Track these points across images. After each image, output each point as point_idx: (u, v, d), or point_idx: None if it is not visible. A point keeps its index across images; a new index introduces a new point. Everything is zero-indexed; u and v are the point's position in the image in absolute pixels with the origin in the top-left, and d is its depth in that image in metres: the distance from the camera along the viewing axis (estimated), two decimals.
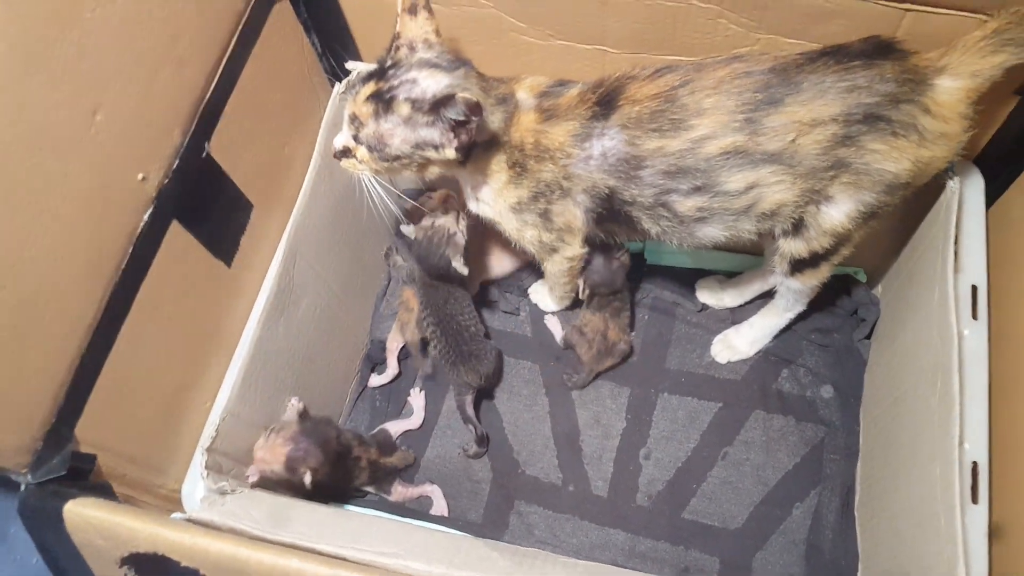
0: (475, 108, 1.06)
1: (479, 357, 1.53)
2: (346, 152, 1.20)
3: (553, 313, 1.68)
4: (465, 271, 1.39)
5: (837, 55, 1.08)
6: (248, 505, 1.13)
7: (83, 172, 0.95)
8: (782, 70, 1.09)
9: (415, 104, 1.11)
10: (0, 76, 0.83)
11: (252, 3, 1.21)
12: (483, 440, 1.58)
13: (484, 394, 1.65)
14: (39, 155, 0.89)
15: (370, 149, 1.16)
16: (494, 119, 1.16)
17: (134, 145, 1.03)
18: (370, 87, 1.14)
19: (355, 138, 1.17)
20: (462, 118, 1.08)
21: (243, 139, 1.25)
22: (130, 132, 1.02)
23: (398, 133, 1.13)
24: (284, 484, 1.31)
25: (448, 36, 1.31)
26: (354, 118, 1.16)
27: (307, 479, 1.27)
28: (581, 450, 1.59)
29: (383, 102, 1.12)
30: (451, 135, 1.11)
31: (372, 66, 1.18)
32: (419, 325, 1.58)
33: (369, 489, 1.54)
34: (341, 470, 1.42)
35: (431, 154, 1.15)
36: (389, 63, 1.15)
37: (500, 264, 1.70)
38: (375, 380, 1.68)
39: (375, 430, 1.60)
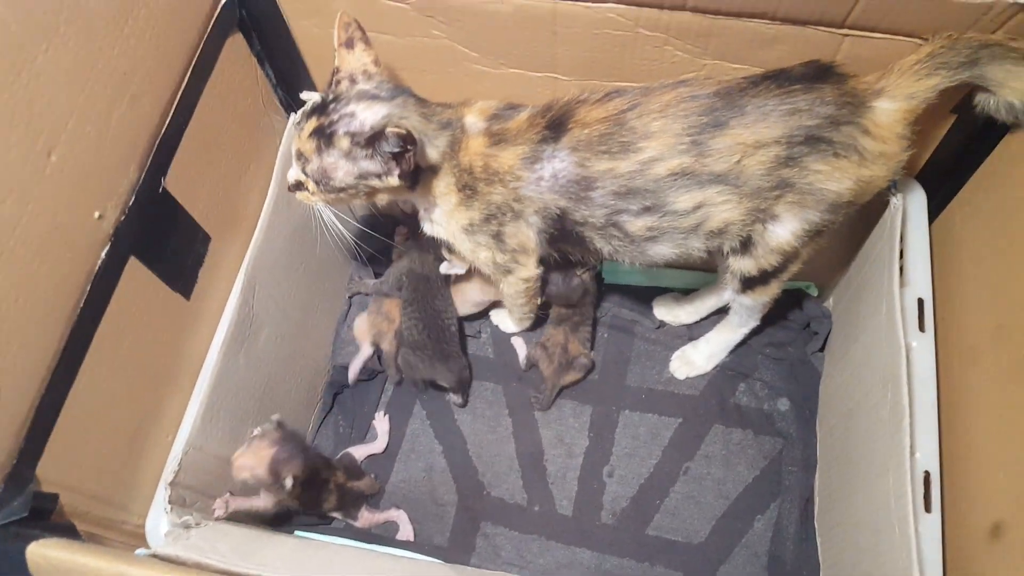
0: (407, 139, 1.09)
1: (456, 358, 1.57)
2: (299, 185, 1.22)
3: (516, 334, 1.70)
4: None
5: (779, 79, 1.12)
6: (213, 538, 1.14)
7: (39, 213, 0.95)
8: (726, 94, 1.12)
9: (354, 138, 1.13)
10: None
11: (206, 37, 1.21)
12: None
13: (447, 416, 1.66)
14: None
15: (316, 183, 1.19)
16: (437, 143, 1.18)
17: (90, 184, 1.03)
18: (312, 123, 1.16)
19: (303, 172, 1.19)
20: (397, 149, 1.11)
21: (200, 172, 1.25)
22: (85, 171, 1.01)
23: (341, 166, 1.16)
24: (256, 502, 1.34)
25: (402, 66, 1.34)
26: (300, 154, 1.18)
27: (288, 483, 1.28)
28: (545, 470, 1.60)
29: (324, 137, 1.15)
30: (392, 164, 1.14)
31: (319, 98, 1.20)
32: (397, 337, 1.61)
33: (336, 515, 1.54)
34: (311, 491, 1.42)
35: (375, 183, 1.17)
36: (330, 97, 1.17)
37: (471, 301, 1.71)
38: (354, 368, 1.67)
39: (339, 455, 1.60)
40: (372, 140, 1.12)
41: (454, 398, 1.65)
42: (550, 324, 1.64)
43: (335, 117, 1.14)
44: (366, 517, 1.54)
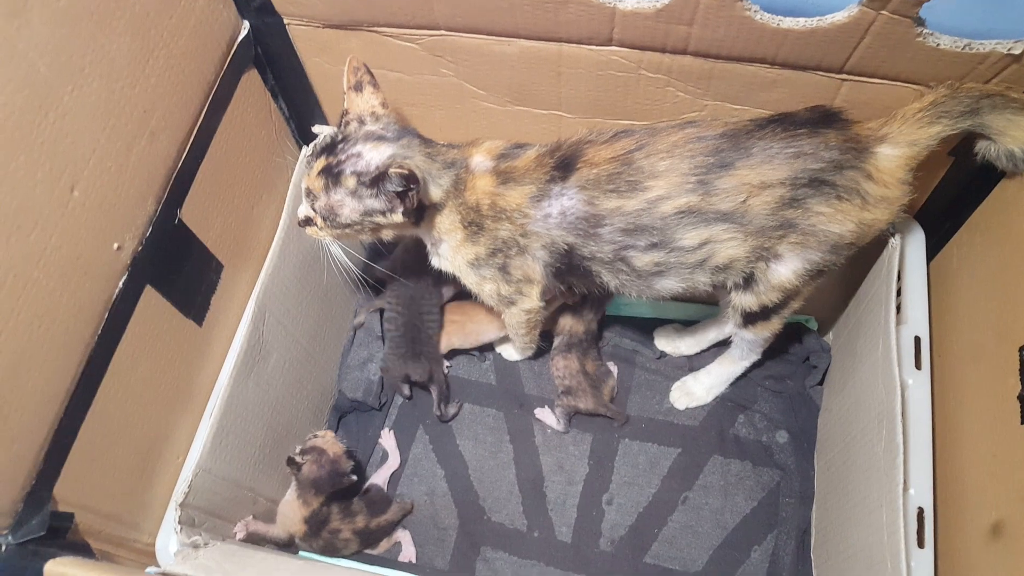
0: (409, 178, 1.13)
1: (428, 359, 1.61)
2: (308, 221, 1.27)
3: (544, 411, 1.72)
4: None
5: (784, 123, 1.14)
6: (220, 558, 1.16)
7: (61, 245, 0.98)
8: (732, 135, 1.14)
9: (360, 177, 1.17)
10: None
11: (222, 74, 1.25)
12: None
13: (449, 441, 1.68)
14: (20, 233, 0.92)
15: (324, 219, 1.23)
16: (441, 182, 1.22)
17: (110, 216, 1.07)
18: (321, 162, 1.20)
19: (312, 208, 1.24)
20: (400, 188, 1.15)
21: (214, 203, 1.29)
22: (106, 204, 1.05)
23: (347, 204, 1.20)
24: (272, 530, 1.43)
25: (412, 102, 1.37)
26: (309, 192, 1.23)
27: (351, 479, 1.42)
28: (545, 496, 1.62)
29: (332, 176, 1.19)
30: (396, 202, 1.18)
31: (329, 135, 1.24)
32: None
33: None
34: (317, 544, 1.47)
35: (380, 220, 1.21)
36: (340, 137, 1.21)
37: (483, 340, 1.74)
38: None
39: (364, 488, 1.62)
40: (376, 180, 1.16)
41: (435, 411, 1.68)
42: (558, 355, 1.66)
43: (343, 157, 1.19)
44: (382, 543, 1.58)
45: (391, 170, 1.13)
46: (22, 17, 0.89)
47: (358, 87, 1.25)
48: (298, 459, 1.41)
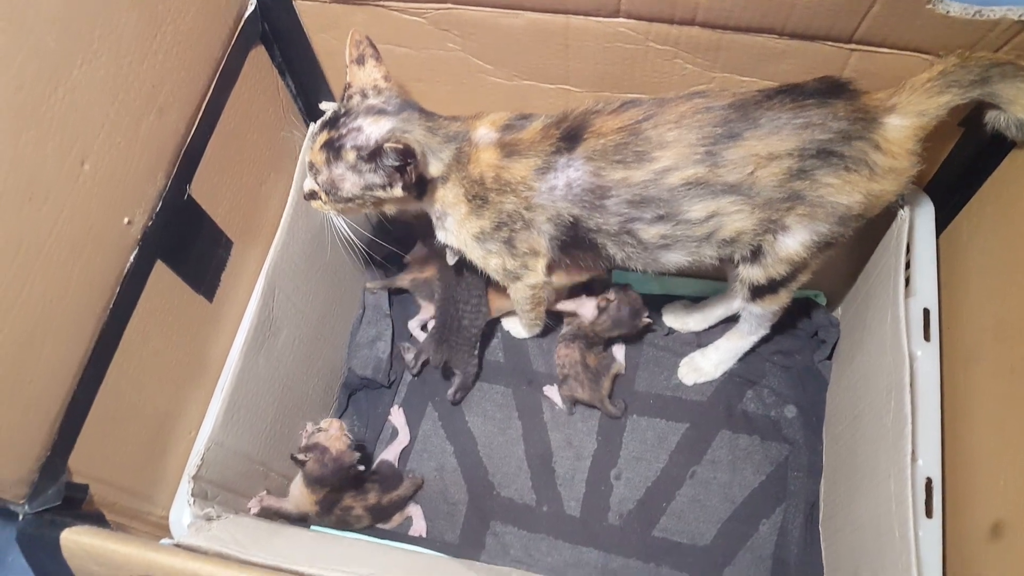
0: (406, 152, 1.14)
1: (455, 350, 1.61)
2: (312, 195, 1.27)
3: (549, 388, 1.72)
4: (451, 261, 1.44)
5: (792, 93, 1.13)
6: (233, 530, 1.17)
7: (73, 218, 0.99)
8: (741, 106, 1.14)
9: (359, 152, 1.18)
10: None
11: (229, 50, 1.26)
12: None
13: (459, 418, 1.70)
14: (31, 205, 0.93)
15: (326, 193, 1.24)
16: (442, 156, 1.22)
17: (120, 190, 1.08)
18: (323, 136, 1.21)
19: (316, 182, 1.24)
20: (397, 163, 1.15)
21: (223, 179, 1.30)
22: (116, 179, 1.06)
23: (348, 178, 1.21)
24: (285, 505, 1.44)
25: (418, 77, 1.37)
26: (312, 166, 1.23)
27: (358, 469, 1.41)
28: (554, 471, 1.63)
29: (333, 150, 1.19)
30: (395, 177, 1.18)
31: (332, 109, 1.24)
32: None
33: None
34: (330, 520, 1.48)
35: (381, 194, 1.22)
36: (342, 111, 1.22)
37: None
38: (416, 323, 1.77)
39: (375, 465, 1.64)
40: (374, 154, 1.16)
41: (450, 394, 1.68)
42: (562, 343, 1.66)
43: (344, 131, 1.19)
44: (395, 518, 1.59)
45: (387, 145, 1.13)
46: None
47: (360, 60, 1.25)
48: (300, 457, 1.40)
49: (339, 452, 1.40)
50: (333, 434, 1.42)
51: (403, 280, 1.74)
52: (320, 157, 1.21)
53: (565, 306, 1.65)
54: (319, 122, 1.25)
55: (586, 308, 1.63)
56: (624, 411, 1.66)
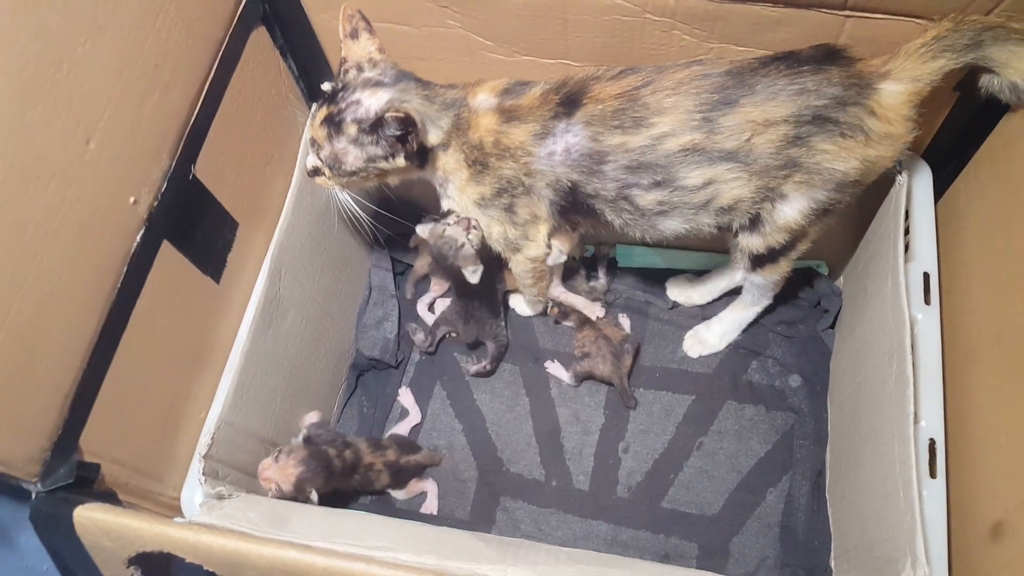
0: (406, 121, 1.15)
1: (482, 323, 1.64)
2: (316, 171, 1.29)
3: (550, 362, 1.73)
4: (475, 280, 1.43)
5: (788, 60, 1.15)
6: (245, 508, 1.18)
7: (79, 198, 1.00)
8: (737, 73, 1.15)
9: (360, 124, 1.20)
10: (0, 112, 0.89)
11: (231, 30, 1.27)
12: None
13: (466, 396, 1.71)
14: (38, 184, 0.94)
15: (330, 168, 1.26)
16: (441, 123, 1.24)
17: (125, 170, 1.09)
18: (323, 111, 1.23)
19: (319, 158, 1.26)
20: (399, 132, 1.17)
21: (227, 160, 1.31)
22: (121, 158, 1.07)
23: (350, 151, 1.23)
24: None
25: (419, 55, 1.38)
26: (313, 142, 1.25)
27: (314, 497, 1.35)
28: (562, 446, 1.65)
29: (334, 125, 1.21)
30: (397, 146, 1.20)
31: (331, 85, 1.26)
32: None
33: (388, 490, 1.61)
34: (355, 480, 1.50)
35: (384, 165, 1.24)
36: (340, 86, 1.23)
37: None
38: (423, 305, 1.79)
39: (387, 436, 1.66)
40: (375, 126, 1.18)
41: (475, 367, 1.70)
42: (576, 330, 1.68)
43: (343, 105, 1.21)
44: (410, 486, 1.61)
45: (387, 115, 1.15)
46: None
47: (354, 34, 1.26)
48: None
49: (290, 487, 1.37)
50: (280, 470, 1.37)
51: (421, 265, 1.76)
52: (321, 133, 1.22)
53: (572, 300, 1.67)
54: (321, 100, 1.26)
55: (594, 308, 1.66)
56: (633, 407, 1.66)
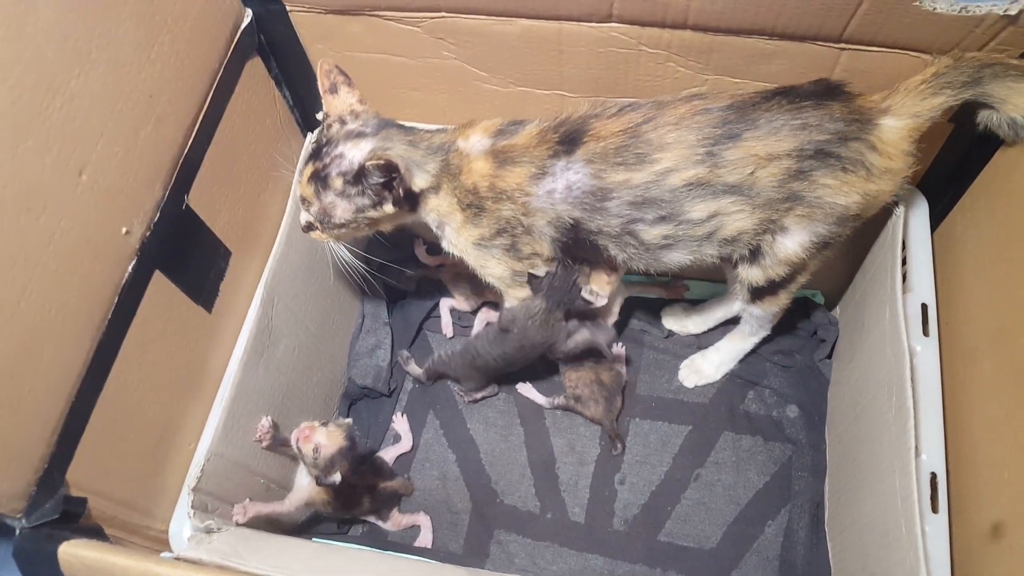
0: (387, 168, 1.16)
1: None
2: (309, 226, 1.30)
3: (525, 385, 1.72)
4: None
5: (789, 95, 1.15)
6: (234, 543, 1.17)
7: (71, 228, 0.99)
8: (739, 107, 1.15)
9: (345, 177, 1.20)
10: None
11: (226, 61, 1.26)
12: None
13: (460, 425, 1.69)
14: (30, 215, 0.93)
15: (321, 223, 1.26)
16: (428, 168, 1.24)
17: (118, 201, 1.08)
18: (309, 168, 1.23)
19: (310, 214, 1.26)
20: (382, 179, 1.17)
21: (221, 190, 1.30)
22: (114, 189, 1.06)
23: (339, 205, 1.23)
24: (277, 507, 1.39)
25: (415, 86, 1.39)
26: (303, 199, 1.26)
27: (336, 478, 1.34)
28: (557, 477, 1.63)
29: (321, 180, 1.22)
30: (384, 194, 1.20)
31: (313, 141, 1.26)
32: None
33: (369, 518, 1.58)
34: (346, 495, 1.48)
35: (373, 214, 1.24)
36: (324, 141, 1.24)
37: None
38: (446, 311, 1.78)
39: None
40: (358, 176, 1.18)
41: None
42: (568, 369, 1.63)
43: (327, 160, 1.21)
44: (396, 519, 1.59)
45: (368, 164, 1.15)
46: (28, 1, 0.90)
47: (333, 89, 1.27)
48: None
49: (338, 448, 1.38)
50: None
51: (445, 275, 1.74)
52: (309, 190, 1.23)
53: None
54: (306, 145, 1.26)
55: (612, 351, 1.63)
56: (620, 452, 1.64)
